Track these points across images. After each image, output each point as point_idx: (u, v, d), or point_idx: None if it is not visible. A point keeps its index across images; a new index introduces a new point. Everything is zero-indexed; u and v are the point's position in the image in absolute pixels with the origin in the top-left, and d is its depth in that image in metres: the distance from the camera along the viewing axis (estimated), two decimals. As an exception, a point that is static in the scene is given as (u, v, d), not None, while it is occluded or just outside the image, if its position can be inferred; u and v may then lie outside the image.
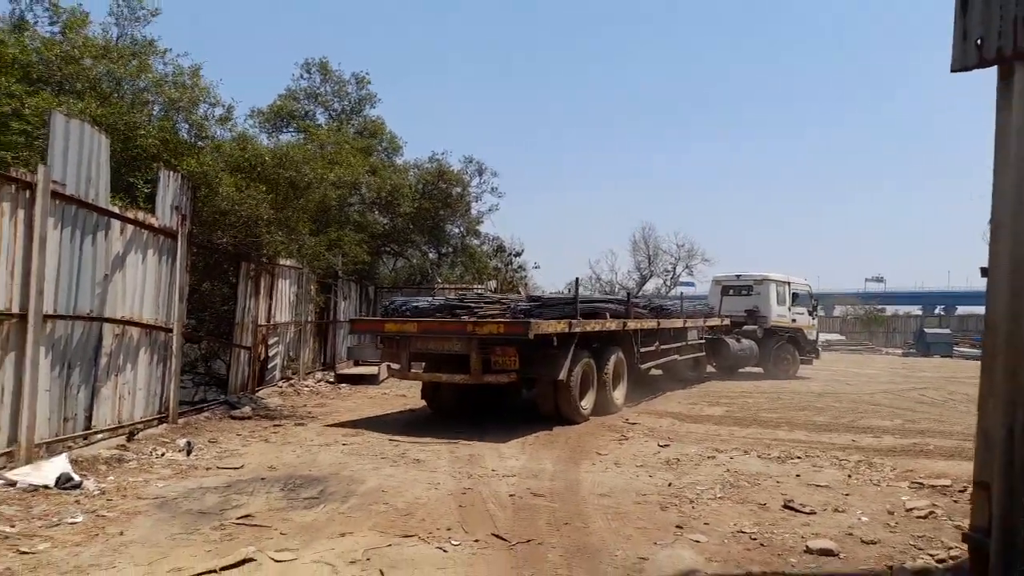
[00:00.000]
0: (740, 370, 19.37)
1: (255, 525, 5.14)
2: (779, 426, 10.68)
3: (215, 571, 4.17)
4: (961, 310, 70.21)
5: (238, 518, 5.29)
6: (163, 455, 7.34)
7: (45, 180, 6.28)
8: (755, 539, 5.16)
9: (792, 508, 5.98)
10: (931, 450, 8.67)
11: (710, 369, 18.89)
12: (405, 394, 13.71)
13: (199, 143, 10.00)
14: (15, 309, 6.04)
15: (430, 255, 28.47)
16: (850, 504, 6.16)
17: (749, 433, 9.98)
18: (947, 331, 39.88)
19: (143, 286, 8.27)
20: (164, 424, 8.70)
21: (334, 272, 17.22)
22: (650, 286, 51.00)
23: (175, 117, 10.26)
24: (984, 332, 3.66)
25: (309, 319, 15.84)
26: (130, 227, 7.93)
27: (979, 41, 3.53)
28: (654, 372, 14.91)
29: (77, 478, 5.95)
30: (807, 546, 4.95)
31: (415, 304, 11.03)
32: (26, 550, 4.47)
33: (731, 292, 20.44)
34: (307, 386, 14.33)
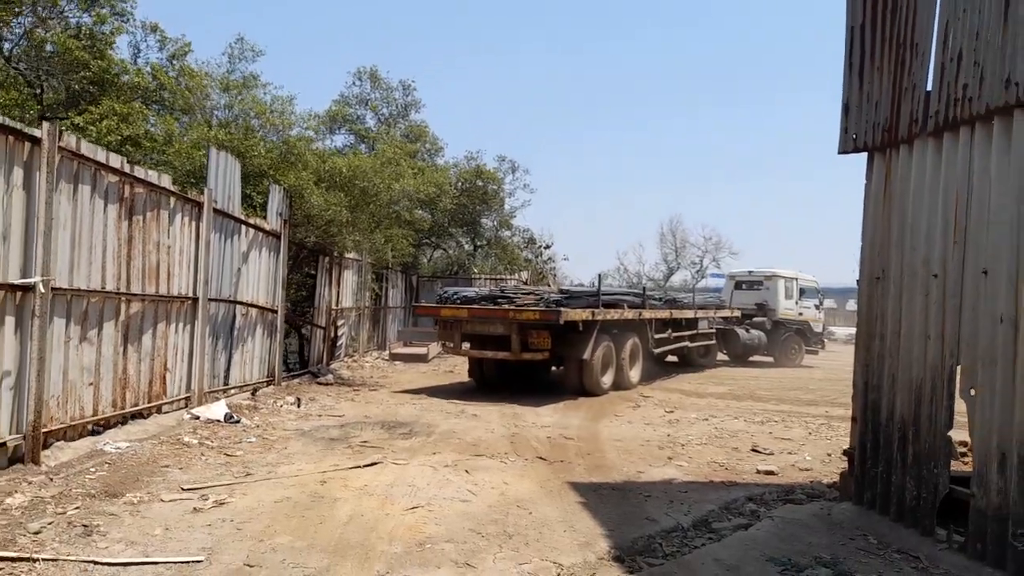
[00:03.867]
0: (749, 358, 21.19)
1: (372, 447, 7.40)
2: (770, 401, 12.73)
3: (359, 466, 6.42)
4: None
5: (359, 442, 7.56)
6: (282, 406, 9.65)
7: (208, 199, 8.57)
8: (722, 466, 7.29)
9: (757, 450, 8.09)
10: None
11: (722, 356, 20.81)
12: (452, 370, 15.94)
13: (290, 158, 12.23)
14: (190, 294, 8.34)
15: (465, 247, 30.72)
16: (802, 450, 8.25)
17: (743, 405, 12.03)
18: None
19: (258, 276, 10.56)
20: (272, 385, 11.02)
21: (386, 264, 19.54)
22: (677, 278, 52.75)
23: (274, 138, 12.53)
24: (857, 321, 5.72)
25: (367, 305, 18.16)
26: (251, 230, 10.20)
27: (855, 136, 5.58)
28: (670, 358, 16.93)
29: (236, 416, 8.27)
30: (757, 469, 7.08)
31: (464, 294, 12.97)
32: (229, 454, 6.77)
33: (743, 286, 22.25)
34: (367, 362, 16.67)
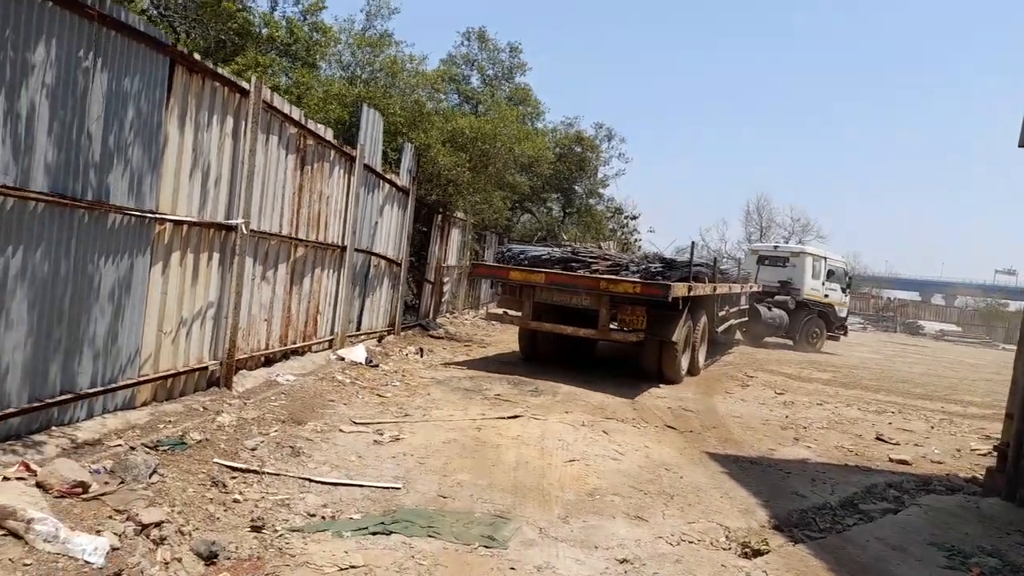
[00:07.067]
0: (764, 339, 19.57)
1: (506, 400, 7.79)
2: (879, 391, 12.54)
3: (503, 417, 6.81)
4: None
5: (493, 395, 7.97)
6: (407, 354, 10.18)
7: (360, 154, 9.02)
8: (851, 451, 7.36)
9: (882, 439, 8.09)
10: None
11: (736, 336, 19.11)
12: (550, 334, 16.26)
13: (418, 118, 12.61)
14: (339, 242, 8.85)
15: (554, 212, 30.85)
16: (928, 443, 8.19)
17: (852, 394, 11.91)
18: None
19: (389, 230, 11.04)
20: (392, 335, 11.58)
21: (486, 225, 19.92)
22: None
23: (407, 97, 12.93)
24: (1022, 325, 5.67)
25: (467, 263, 18.63)
26: (387, 186, 10.65)
27: (1043, 130, 5.45)
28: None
29: (375, 361, 8.81)
30: (889, 457, 7.12)
31: (533, 254, 11.07)
32: (380, 395, 7.28)
33: (767, 262, 20.72)
34: (467, 320, 17.17)
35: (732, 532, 4.45)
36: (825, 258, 21.36)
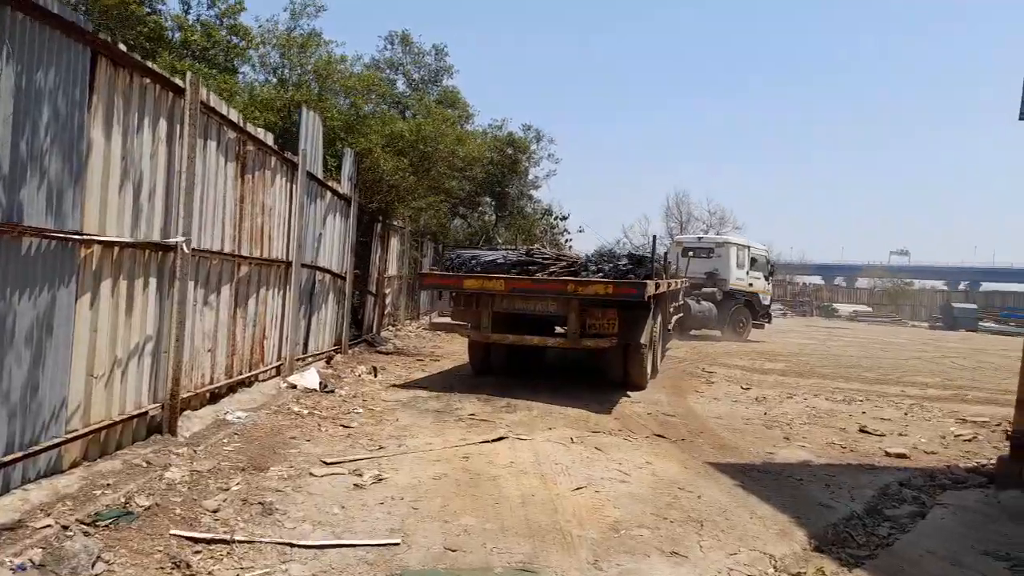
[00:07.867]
0: (691, 331, 19.32)
1: (483, 420, 7.16)
2: (836, 379, 12.55)
3: (488, 441, 6.18)
4: (986, 286, 69.89)
5: (467, 415, 7.32)
6: (360, 375, 9.38)
7: (303, 160, 8.21)
8: (845, 447, 7.09)
9: (866, 432, 7.89)
10: (970, 398, 10.57)
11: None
12: (501, 341, 15.66)
13: (356, 122, 11.80)
14: (284, 258, 8.01)
15: (487, 216, 30.29)
16: (910, 431, 8.06)
17: (812, 383, 11.84)
18: (973, 306, 40.95)
19: (332, 242, 10.21)
20: (340, 354, 10.73)
21: (422, 232, 19.17)
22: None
23: (343, 100, 12.10)
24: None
25: (407, 273, 17.82)
26: (329, 194, 9.82)
27: (1041, 106, 5.27)
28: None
29: (330, 386, 8.00)
30: (886, 451, 6.89)
31: (487, 259, 9.97)
32: (345, 426, 6.51)
33: (691, 254, 20.75)
34: (411, 331, 16.38)
35: (779, 560, 3.98)
36: (748, 247, 21.61)
